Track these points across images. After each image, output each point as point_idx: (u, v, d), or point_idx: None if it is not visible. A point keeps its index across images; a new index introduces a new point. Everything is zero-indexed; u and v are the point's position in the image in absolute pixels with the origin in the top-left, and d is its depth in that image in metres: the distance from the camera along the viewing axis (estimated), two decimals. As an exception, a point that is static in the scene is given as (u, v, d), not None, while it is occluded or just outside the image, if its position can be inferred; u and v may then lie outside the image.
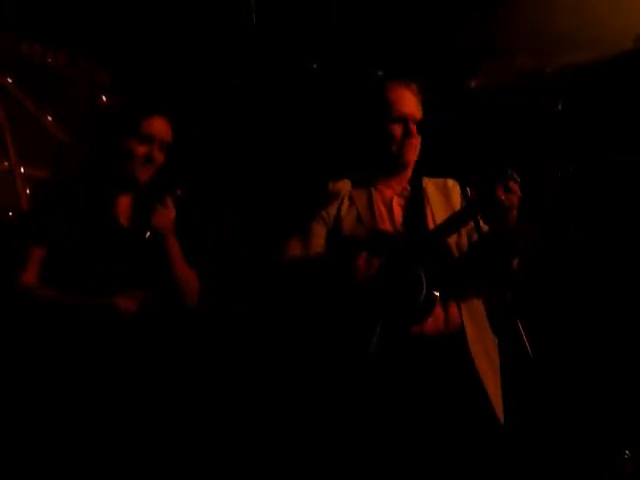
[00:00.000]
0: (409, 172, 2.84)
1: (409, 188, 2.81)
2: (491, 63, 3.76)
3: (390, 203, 2.77)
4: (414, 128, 2.73)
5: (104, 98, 3.99)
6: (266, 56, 4.08)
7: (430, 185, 2.83)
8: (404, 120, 2.74)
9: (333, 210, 2.76)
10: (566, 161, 2.51)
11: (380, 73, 3.97)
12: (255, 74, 4.09)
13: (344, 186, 2.81)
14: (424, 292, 2.54)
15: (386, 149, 2.76)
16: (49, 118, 3.88)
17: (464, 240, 2.77)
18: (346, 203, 2.76)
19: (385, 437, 2.52)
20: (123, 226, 2.77)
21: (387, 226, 2.72)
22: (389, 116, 2.75)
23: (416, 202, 2.76)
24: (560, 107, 3.86)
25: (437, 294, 2.58)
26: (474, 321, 2.67)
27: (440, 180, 2.87)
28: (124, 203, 2.81)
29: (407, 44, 3.89)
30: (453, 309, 2.64)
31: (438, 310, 2.61)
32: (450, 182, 2.86)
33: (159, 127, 2.74)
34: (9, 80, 3.80)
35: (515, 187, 2.51)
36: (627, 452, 3.68)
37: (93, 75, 3.96)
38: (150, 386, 2.66)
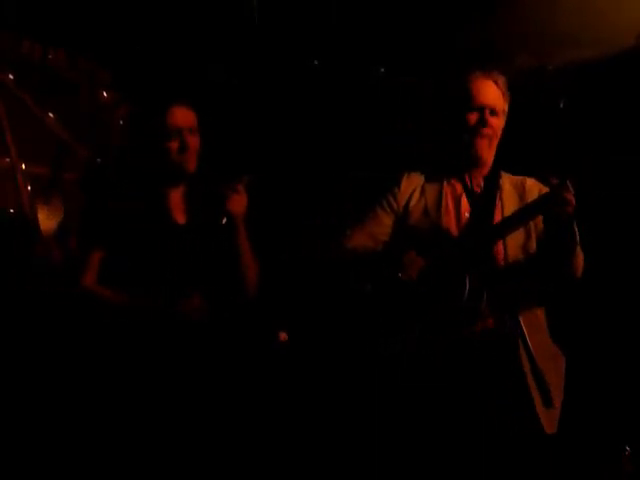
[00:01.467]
0: (485, 168, 2.75)
1: (482, 184, 2.74)
2: (492, 62, 3.75)
3: (459, 198, 2.72)
4: (489, 118, 2.67)
5: (105, 94, 3.99)
6: (268, 53, 4.07)
7: (507, 182, 2.76)
8: (480, 109, 2.67)
9: (403, 200, 2.74)
10: (560, 172, 2.50)
11: (382, 70, 3.97)
12: (257, 71, 4.09)
13: (418, 178, 2.78)
14: (466, 296, 2.49)
15: (459, 138, 2.70)
16: (50, 115, 3.89)
17: (532, 243, 2.69)
18: (417, 195, 2.74)
19: (419, 439, 2.52)
20: (179, 222, 2.78)
21: (452, 221, 2.68)
22: (466, 106, 2.68)
23: (487, 198, 2.69)
24: (562, 105, 3.84)
25: (484, 296, 2.51)
26: (531, 326, 2.59)
27: (519, 178, 2.79)
28: (176, 199, 2.81)
29: (408, 43, 3.89)
30: (506, 316, 2.57)
31: (486, 315, 2.55)
32: (529, 181, 2.78)
33: (182, 116, 2.76)
34: (10, 77, 3.80)
35: (570, 198, 2.45)
36: (627, 449, 3.68)
37: (93, 73, 3.96)
38: (213, 389, 2.69)
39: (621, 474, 3.63)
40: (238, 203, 2.75)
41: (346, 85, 4.00)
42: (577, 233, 2.54)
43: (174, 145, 2.72)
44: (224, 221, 2.73)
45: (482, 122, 2.66)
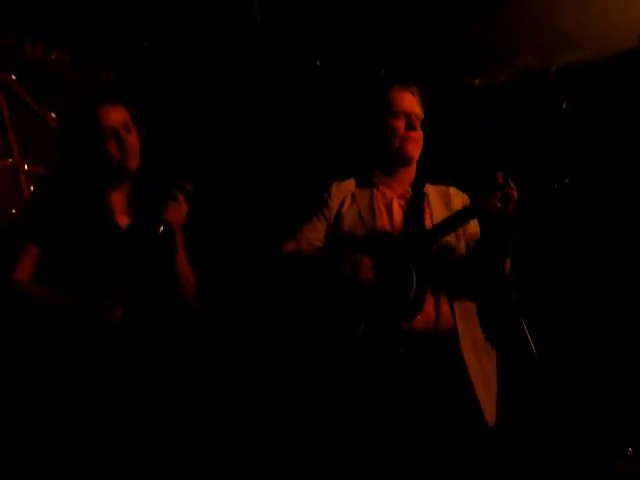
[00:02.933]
0: (411, 173, 2.90)
1: (410, 191, 2.88)
2: (494, 62, 3.76)
3: (390, 204, 2.84)
4: (417, 123, 2.83)
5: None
6: (270, 53, 4.07)
7: (432, 191, 2.89)
8: (406, 115, 2.82)
9: (335, 208, 2.84)
10: (561, 172, 2.56)
11: (383, 71, 3.97)
12: (258, 71, 4.09)
13: (348, 186, 2.89)
14: (414, 288, 2.61)
15: (389, 143, 2.83)
16: (52, 115, 3.88)
17: (462, 245, 2.81)
18: (348, 201, 2.84)
19: (372, 434, 2.58)
20: (120, 224, 2.76)
21: (386, 225, 2.79)
22: (391, 111, 2.83)
23: (416, 204, 2.82)
24: (564, 106, 3.85)
25: (427, 291, 2.65)
26: (466, 321, 2.72)
27: (442, 187, 2.93)
28: (118, 199, 2.79)
29: (411, 43, 3.89)
30: (445, 308, 2.70)
31: (429, 308, 2.67)
32: (452, 190, 2.93)
33: (114, 115, 2.72)
34: (12, 77, 3.80)
35: (512, 195, 2.54)
36: (630, 450, 3.68)
37: (95, 74, 3.96)
38: (140, 385, 2.65)
39: (624, 475, 3.63)
40: (176, 212, 2.73)
41: (348, 86, 3.99)
42: (517, 234, 2.62)
43: (112, 145, 2.70)
44: (161, 230, 2.71)
45: (410, 127, 2.82)
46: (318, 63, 4.02)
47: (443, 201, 2.87)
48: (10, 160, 3.76)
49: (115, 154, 2.70)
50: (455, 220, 2.73)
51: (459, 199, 2.88)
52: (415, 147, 2.84)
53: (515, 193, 2.54)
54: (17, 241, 2.72)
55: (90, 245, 2.67)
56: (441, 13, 3.83)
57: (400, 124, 2.81)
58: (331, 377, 2.64)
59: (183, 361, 2.78)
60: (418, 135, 2.84)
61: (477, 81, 3.97)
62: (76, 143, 2.77)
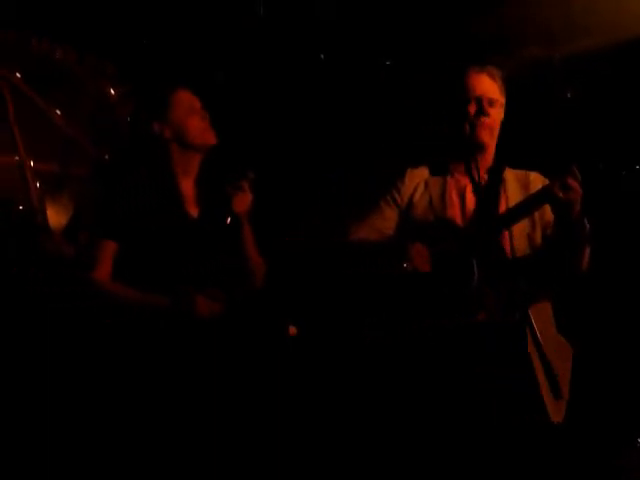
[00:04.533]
0: (487, 159, 2.80)
1: (486, 177, 2.78)
2: (499, 52, 3.72)
3: (464, 191, 2.78)
4: (488, 107, 2.74)
5: (112, 90, 3.99)
6: (271, 53, 4.06)
7: (510, 176, 2.81)
8: (477, 99, 2.74)
9: (407, 195, 2.79)
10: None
11: (388, 63, 3.95)
12: (259, 71, 4.08)
13: (422, 172, 2.84)
14: (474, 284, 2.53)
15: (460, 130, 2.76)
16: (58, 112, 3.89)
17: (538, 233, 2.75)
18: (421, 188, 2.79)
19: (422, 429, 2.57)
20: (192, 215, 2.76)
21: (457, 214, 2.73)
22: (463, 96, 2.76)
23: (491, 191, 2.73)
24: (569, 95, 3.81)
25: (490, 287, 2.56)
26: (538, 316, 2.64)
27: (522, 172, 2.85)
28: (188, 188, 2.78)
29: (414, 34, 3.86)
30: (514, 307, 2.61)
31: (493, 302, 2.59)
32: (532, 175, 2.84)
33: (187, 97, 2.79)
34: (18, 75, 3.82)
35: (575, 184, 2.48)
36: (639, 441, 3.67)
37: (101, 70, 3.96)
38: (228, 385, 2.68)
39: (633, 466, 3.61)
40: (243, 202, 2.75)
41: (353, 79, 3.98)
42: (587, 225, 2.55)
43: (200, 122, 2.75)
44: (229, 221, 2.71)
45: (482, 111, 2.73)
46: (322, 56, 4.00)
47: (521, 186, 2.79)
48: (16, 157, 3.77)
49: (198, 131, 2.74)
50: (526, 206, 2.64)
51: (539, 184, 2.76)
52: (486, 133, 2.75)
53: (578, 182, 2.48)
54: (92, 240, 2.72)
55: (167, 238, 2.66)
56: (445, 4, 3.80)
57: (471, 109, 2.73)
58: (393, 368, 2.63)
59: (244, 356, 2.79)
60: (489, 120, 2.75)
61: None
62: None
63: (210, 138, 2.76)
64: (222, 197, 2.75)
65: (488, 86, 2.77)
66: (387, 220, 2.78)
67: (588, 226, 2.59)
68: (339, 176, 3.96)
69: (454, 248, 2.60)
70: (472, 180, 2.74)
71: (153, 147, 2.77)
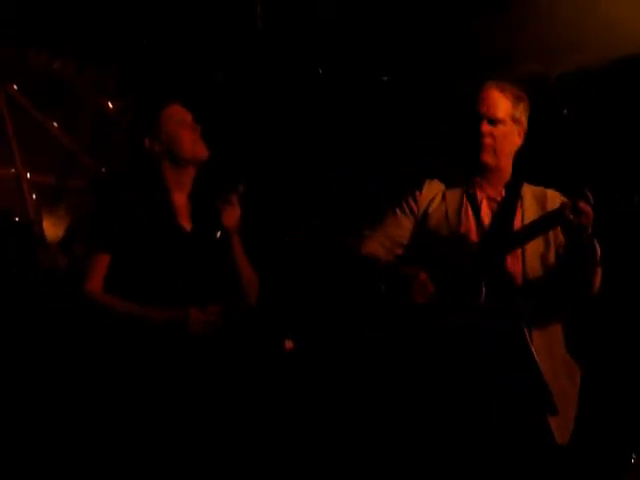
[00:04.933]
0: (502, 176, 2.73)
1: (504, 192, 2.73)
2: (496, 69, 3.73)
3: (480, 205, 2.72)
4: (486, 127, 2.64)
5: (110, 103, 4.00)
6: (271, 53, 4.06)
7: (528, 192, 2.74)
8: (481, 117, 2.65)
9: (424, 205, 2.75)
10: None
11: (385, 79, 3.96)
12: (259, 71, 4.08)
13: (439, 184, 2.78)
14: (481, 306, 2.49)
15: (464, 146, 2.70)
16: (55, 125, 3.91)
17: (552, 252, 2.68)
18: (437, 200, 2.75)
19: (433, 436, 2.52)
20: (185, 229, 2.75)
21: (472, 227, 2.68)
22: (467, 115, 2.68)
23: (507, 207, 2.69)
24: (566, 113, 3.82)
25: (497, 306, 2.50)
26: (545, 337, 2.58)
27: (540, 189, 2.77)
28: (181, 202, 2.77)
29: (412, 51, 3.87)
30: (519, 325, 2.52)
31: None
32: (550, 192, 2.75)
33: (177, 111, 2.76)
34: (15, 87, 3.83)
35: (587, 208, 2.40)
36: (634, 456, 3.66)
37: (99, 82, 3.97)
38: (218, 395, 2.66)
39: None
40: (231, 216, 2.73)
41: (352, 89, 3.99)
42: (598, 248, 2.53)
43: (190, 135, 2.73)
44: (218, 235, 2.73)
45: (479, 131, 2.65)
46: (320, 71, 4.01)
47: (537, 203, 2.71)
48: (13, 169, 3.79)
49: (190, 144, 2.72)
50: (537, 226, 2.57)
51: (556, 202, 2.63)
52: (485, 153, 2.66)
53: (590, 205, 2.40)
54: (87, 251, 2.71)
55: (160, 251, 2.65)
56: (443, 21, 3.81)
57: (474, 128, 2.64)
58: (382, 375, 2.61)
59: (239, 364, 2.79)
60: (489, 140, 2.64)
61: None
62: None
63: (201, 151, 2.76)
64: (212, 211, 2.76)
65: (494, 104, 2.68)
66: (402, 229, 2.74)
67: (599, 249, 2.57)
68: (339, 176, 3.96)
69: (464, 266, 2.57)
70: (488, 196, 2.71)
71: (146, 162, 2.78)
